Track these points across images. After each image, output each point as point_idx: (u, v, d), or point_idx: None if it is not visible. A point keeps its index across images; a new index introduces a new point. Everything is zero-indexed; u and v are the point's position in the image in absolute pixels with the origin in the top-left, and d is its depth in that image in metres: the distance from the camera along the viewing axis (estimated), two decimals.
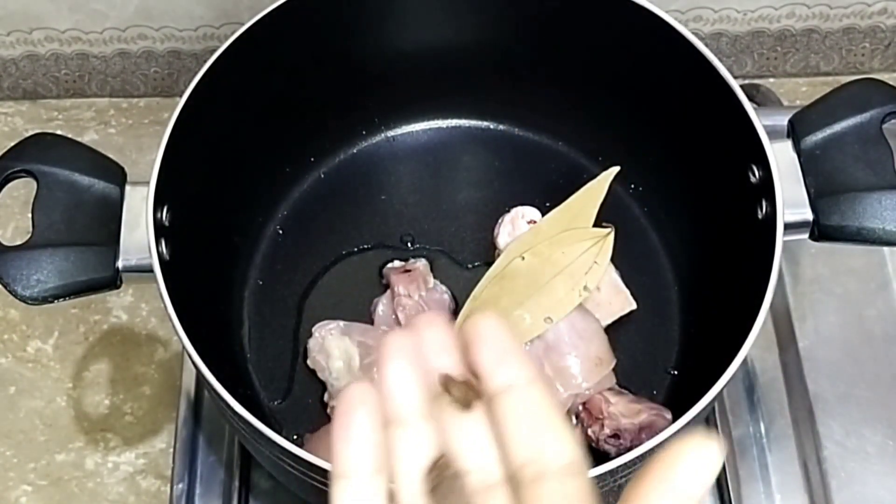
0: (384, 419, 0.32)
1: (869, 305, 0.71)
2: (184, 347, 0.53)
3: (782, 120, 0.60)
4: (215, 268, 0.66)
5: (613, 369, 0.63)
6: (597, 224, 0.66)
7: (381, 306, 0.66)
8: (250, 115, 0.67)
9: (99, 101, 0.86)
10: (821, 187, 0.57)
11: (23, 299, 0.54)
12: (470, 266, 0.70)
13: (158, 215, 0.56)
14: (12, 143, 0.58)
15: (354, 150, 0.75)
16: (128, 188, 0.57)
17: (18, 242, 0.55)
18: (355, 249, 0.71)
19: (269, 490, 0.65)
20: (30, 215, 0.56)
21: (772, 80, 0.86)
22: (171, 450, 0.67)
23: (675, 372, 0.66)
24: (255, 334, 0.68)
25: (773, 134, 0.58)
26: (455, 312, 0.66)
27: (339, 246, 0.71)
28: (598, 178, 0.69)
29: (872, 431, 0.67)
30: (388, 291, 0.67)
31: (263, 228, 0.71)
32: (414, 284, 0.66)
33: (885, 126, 0.57)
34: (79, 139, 0.60)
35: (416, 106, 0.74)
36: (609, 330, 0.65)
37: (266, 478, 0.65)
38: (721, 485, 0.65)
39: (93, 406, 0.73)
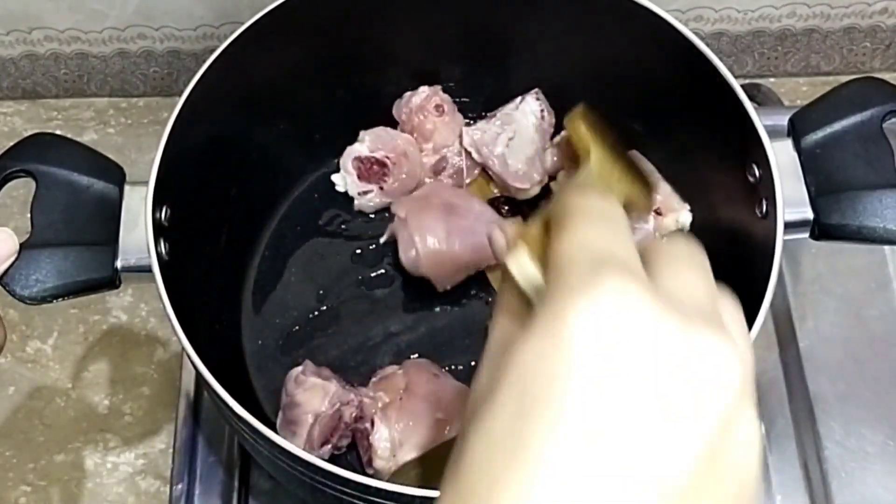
0: None
1: (869, 305, 0.71)
2: (183, 348, 0.53)
3: (783, 120, 0.60)
4: (214, 268, 0.66)
5: None
6: None
7: None
8: (250, 115, 0.67)
9: (98, 100, 0.86)
10: (821, 186, 0.57)
11: (21, 299, 0.54)
12: None
13: (157, 215, 0.56)
14: (11, 143, 0.58)
15: None
16: (127, 188, 0.57)
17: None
18: (358, 251, 0.71)
19: (269, 490, 0.65)
20: (28, 215, 0.56)
21: (772, 79, 0.86)
22: (171, 450, 0.67)
23: None
24: (254, 334, 0.68)
25: (774, 134, 0.58)
26: None
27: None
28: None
29: (873, 431, 0.67)
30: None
31: (263, 228, 0.71)
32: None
33: (885, 125, 0.57)
34: (78, 139, 0.60)
35: None
36: None
37: (265, 478, 0.65)
38: None
39: (92, 406, 0.73)
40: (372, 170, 0.69)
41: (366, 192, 0.70)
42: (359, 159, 0.70)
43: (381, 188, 0.70)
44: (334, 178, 0.72)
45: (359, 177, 0.70)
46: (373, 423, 0.60)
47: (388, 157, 0.69)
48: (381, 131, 0.71)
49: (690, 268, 0.30)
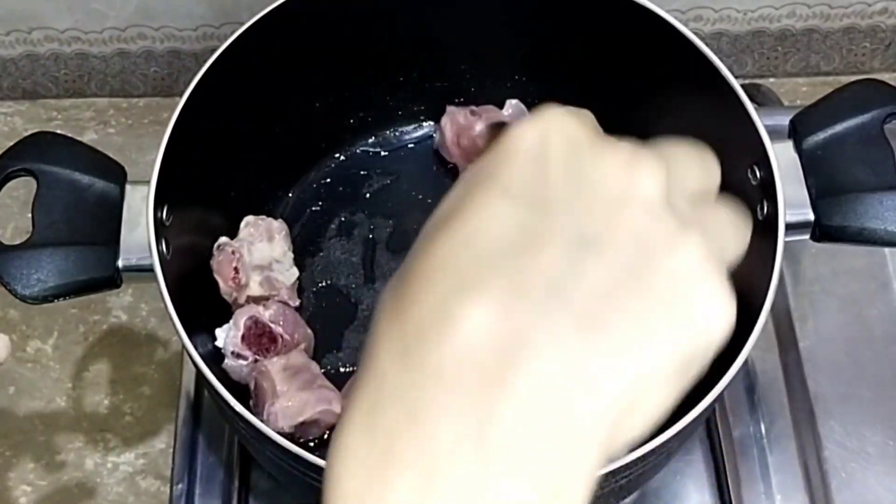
0: None
1: (870, 306, 0.71)
2: (184, 347, 0.53)
3: (783, 120, 0.60)
4: None
5: None
6: None
7: None
8: (250, 115, 0.67)
9: (98, 100, 0.86)
10: (822, 188, 0.57)
11: (22, 299, 0.54)
12: None
13: (159, 215, 0.56)
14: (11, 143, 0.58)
15: (354, 151, 0.75)
16: (128, 187, 0.57)
17: (18, 242, 0.55)
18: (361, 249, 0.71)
19: (269, 490, 0.65)
20: (29, 215, 0.56)
21: (772, 79, 0.86)
22: (171, 450, 0.67)
23: None
24: None
25: (774, 134, 0.58)
26: None
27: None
28: None
29: (873, 432, 0.67)
30: None
31: None
32: None
33: (886, 126, 0.57)
34: (78, 139, 0.60)
35: (415, 106, 0.74)
36: None
37: (266, 478, 0.65)
38: (721, 485, 0.65)
39: (92, 406, 0.73)
40: (260, 339, 0.61)
41: (240, 357, 0.61)
42: (253, 319, 0.62)
43: (256, 360, 0.61)
44: (217, 331, 0.62)
45: (243, 337, 0.61)
46: None
47: (282, 336, 0.62)
48: (292, 312, 0.64)
49: None
